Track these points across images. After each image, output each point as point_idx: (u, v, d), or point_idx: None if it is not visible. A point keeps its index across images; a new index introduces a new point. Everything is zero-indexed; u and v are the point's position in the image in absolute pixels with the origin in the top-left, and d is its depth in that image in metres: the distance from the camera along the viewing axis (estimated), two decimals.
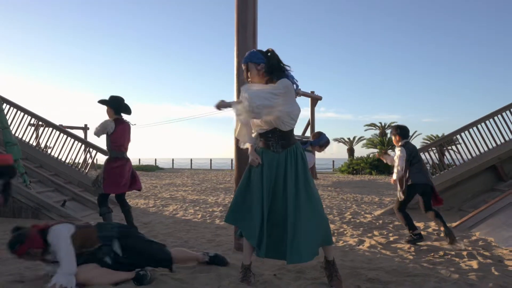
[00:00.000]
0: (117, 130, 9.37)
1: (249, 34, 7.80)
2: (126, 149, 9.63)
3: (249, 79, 5.80)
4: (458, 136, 14.79)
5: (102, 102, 9.65)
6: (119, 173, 9.36)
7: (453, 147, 15.58)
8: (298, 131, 36.76)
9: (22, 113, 16.23)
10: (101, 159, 16.14)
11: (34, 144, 16.72)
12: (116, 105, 9.58)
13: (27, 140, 16.28)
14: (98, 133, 9.49)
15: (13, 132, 13.57)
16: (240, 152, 7.69)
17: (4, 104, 15.42)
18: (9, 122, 13.48)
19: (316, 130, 34.97)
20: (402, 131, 9.51)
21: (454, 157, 15.29)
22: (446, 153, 15.52)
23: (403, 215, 9.10)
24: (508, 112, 14.41)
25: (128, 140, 9.73)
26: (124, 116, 9.68)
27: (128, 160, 9.56)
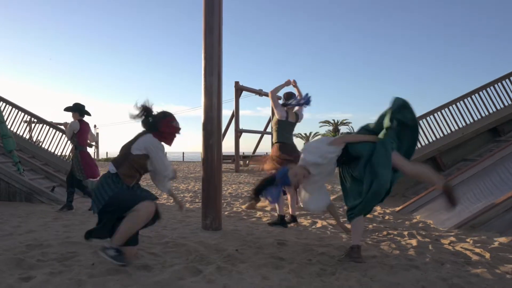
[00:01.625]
0: (81, 128, 10.50)
1: (215, 38, 7.79)
2: (87, 144, 10.77)
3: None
4: None
5: (67, 109, 10.61)
6: (92, 161, 10.60)
7: None
8: (261, 126, 36.84)
9: (17, 111, 16.14)
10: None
11: (27, 137, 16.67)
12: (79, 110, 10.58)
13: (21, 134, 16.22)
14: (68, 135, 10.68)
15: (8, 126, 13.43)
16: (206, 146, 7.86)
17: (0, 102, 15.28)
18: (4, 118, 13.39)
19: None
20: None
21: None
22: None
23: None
24: (446, 109, 14.54)
25: (89, 136, 10.90)
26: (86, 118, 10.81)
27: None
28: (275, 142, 8.93)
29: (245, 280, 4.74)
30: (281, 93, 9.43)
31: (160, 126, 5.60)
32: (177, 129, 5.74)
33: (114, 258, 5.15)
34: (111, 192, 5.29)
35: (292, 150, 8.67)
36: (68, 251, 6.00)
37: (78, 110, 10.50)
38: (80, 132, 10.41)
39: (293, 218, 8.79)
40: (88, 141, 10.82)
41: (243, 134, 31.10)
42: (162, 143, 5.63)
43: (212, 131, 7.79)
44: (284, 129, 8.82)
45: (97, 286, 4.55)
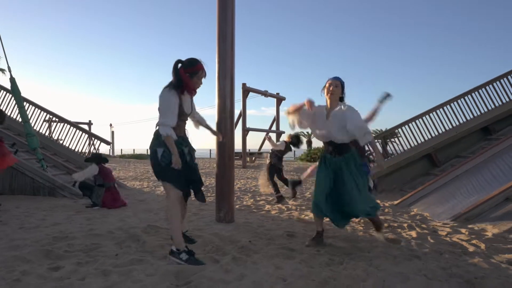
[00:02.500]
0: (102, 171, 10.39)
1: (228, 45, 7.81)
2: (113, 179, 10.71)
3: (329, 94, 5.97)
4: (400, 130, 14.89)
5: (88, 160, 11.01)
6: (115, 196, 10.28)
7: (395, 139, 15.68)
8: (266, 126, 36.85)
9: (39, 110, 16.17)
10: (103, 148, 16.26)
11: (48, 136, 16.69)
12: (97, 159, 10.58)
13: (42, 132, 16.25)
14: (86, 175, 10.44)
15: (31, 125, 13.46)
16: (220, 145, 7.89)
17: (24, 102, 15.33)
18: (28, 117, 13.41)
19: (280, 125, 35.17)
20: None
21: (396, 147, 15.39)
22: (390, 144, 15.61)
23: (272, 182, 11.70)
24: (440, 109, 14.55)
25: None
26: None
27: None
28: None
29: (260, 270, 4.76)
30: None
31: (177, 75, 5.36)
32: (185, 78, 5.33)
33: (188, 262, 5.02)
34: None
35: None
36: (92, 242, 6.06)
37: (95, 160, 10.47)
38: (101, 173, 10.26)
39: None
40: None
41: (250, 132, 31.16)
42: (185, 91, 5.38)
43: (225, 130, 7.82)
44: None
45: (122, 275, 4.58)
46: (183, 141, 5.50)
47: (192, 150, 5.65)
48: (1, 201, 9.89)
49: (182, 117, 5.43)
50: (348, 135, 5.88)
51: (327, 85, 5.98)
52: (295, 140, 12.24)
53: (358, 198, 5.86)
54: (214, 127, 6.33)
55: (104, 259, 5.18)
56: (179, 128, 5.46)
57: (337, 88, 5.93)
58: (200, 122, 6.14)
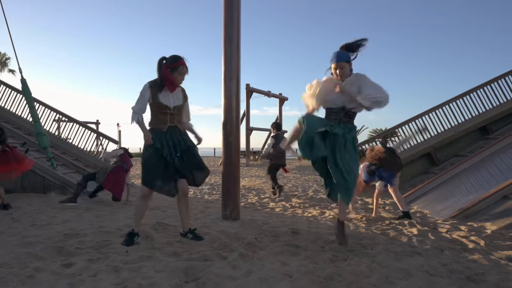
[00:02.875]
0: (124, 156, 10.94)
1: (234, 47, 7.84)
2: (130, 165, 11.08)
3: (339, 76, 5.79)
4: (400, 129, 14.93)
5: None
6: (121, 180, 10.45)
7: (395, 138, 15.72)
8: (268, 125, 36.67)
9: (49, 110, 16.19)
10: (111, 147, 16.27)
11: (57, 134, 16.72)
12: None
13: (52, 132, 16.28)
14: (109, 156, 11.50)
15: (42, 125, 13.48)
16: (226, 144, 7.93)
17: (35, 103, 15.36)
18: (39, 117, 13.43)
19: (283, 125, 35.12)
20: (277, 126, 12.59)
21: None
22: (389, 143, 15.63)
23: (271, 176, 12.01)
24: (439, 110, 14.60)
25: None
26: None
27: None
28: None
29: (266, 266, 4.78)
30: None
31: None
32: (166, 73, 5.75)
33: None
34: None
35: None
36: (102, 239, 6.07)
37: (124, 149, 11.14)
38: (123, 156, 10.78)
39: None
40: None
41: (253, 131, 31.22)
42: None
43: (231, 130, 7.86)
44: None
45: (132, 272, 4.59)
46: (165, 135, 5.79)
47: (182, 145, 5.87)
48: (13, 199, 9.93)
49: (161, 109, 5.76)
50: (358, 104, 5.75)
51: (333, 70, 5.84)
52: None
53: (349, 170, 5.75)
54: (198, 132, 6.38)
55: (115, 256, 5.20)
56: (160, 121, 5.82)
57: (343, 69, 5.75)
58: (184, 126, 6.16)
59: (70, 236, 6.26)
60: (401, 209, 8.22)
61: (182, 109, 6.00)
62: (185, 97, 6.05)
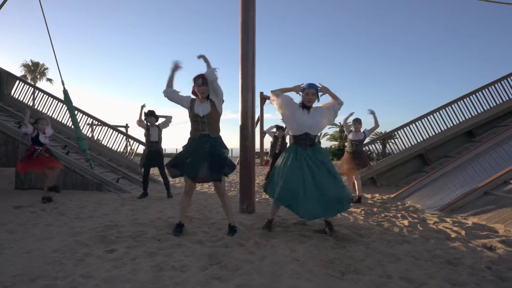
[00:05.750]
0: None
1: (249, 62, 8.11)
2: None
3: (310, 102, 6.12)
4: (397, 133, 15.14)
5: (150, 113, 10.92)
6: None
7: (393, 140, 15.91)
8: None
9: (85, 116, 16.45)
10: (140, 149, 16.43)
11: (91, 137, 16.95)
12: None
13: (88, 135, 16.54)
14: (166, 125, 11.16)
15: (81, 130, 13.77)
16: (243, 147, 8.20)
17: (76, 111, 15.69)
18: (78, 123, 13.73)
19: None
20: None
21: (393, 147, 15.62)
22: (388, 145, 15.82)
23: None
24: (431, 116, 14.78)
25: None
26: None
27: None
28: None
29: (278, 252, 5.05)
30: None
31: None
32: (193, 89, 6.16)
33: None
34: None
35: None
36: (138, 230, 6.36)
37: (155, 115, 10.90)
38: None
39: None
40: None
41: (267, 134, 31.42)
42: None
43: (247, 135, 8.13)
44: None
45: (165, 256, 4.90)
46: (198, 141, 5.93)
47: (201, 151, 5.87)
48: (57, 195, 10.30)
49: (194, 117, 5.97)
50: (321, 129, 6.25)
51: (306, 94, 6.04)
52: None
53: (333, 183, 5.87)
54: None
55: (150, 243, 5.50)
56: (193, 130, 6.04)
57: (314, 96, 6.05)
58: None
59: (110, 227, 6.57)
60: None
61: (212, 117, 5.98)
62: (208, 106, 5.98)
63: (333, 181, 5.88)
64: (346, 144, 10.22)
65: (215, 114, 6.00)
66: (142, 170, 11.05)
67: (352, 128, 10.09)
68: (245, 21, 8.14)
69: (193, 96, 6.17)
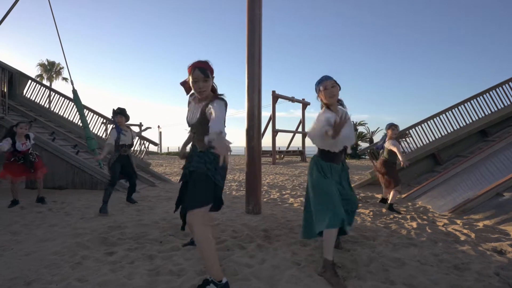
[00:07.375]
0: None
1: (256, 63, 8.02)
2: None
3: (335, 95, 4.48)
4: (411, 131, 14.98)
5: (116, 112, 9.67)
6: None
7: (404, 139, 15.75)
8: (294, 126, 36.75)
9: (97, 116, 16.44)
10: (151, 148, 16.35)
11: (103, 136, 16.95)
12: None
13: (100, 135, 16.53)
14: None
15: (90, 130, 13.75)
16: (249, 147, 8.12)
17: (85, 110, 15.67)
18: (88, 123, 13.72)
19: (306, 126, 35.04)
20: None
21: (405, 146, 15.46)
22: (401, 144, 15.67)
23: None
24: (443, 115, 14.58)
25: None
26: None
27: None
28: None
29: (279, 255, 4.95)
30: None
31: None
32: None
33: None
34: None
35: None
36: (140, 231, 6.31)
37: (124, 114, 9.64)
38: None
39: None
40: None
41: (279, 132, 31.33)
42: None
43: (253, 135, 8.05)
44: None
45: (165, 259, 4.83)
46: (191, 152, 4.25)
47: (190, 167, 4.08)
48: (65, 194, 10.30)
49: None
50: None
51: (326, 87, 4.49)
52: None
53: (353, 194, 4.96)
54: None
55: (151, 246, 5.44)
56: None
57: (336, 87, 4.52)
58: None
59: (113, 228, 6.53)
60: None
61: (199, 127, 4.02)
62: (201, 110, 3.95)
63: (352, 192, 5.03)
64: (385, 153, 9.49)
65: (205, 123, 3.89)
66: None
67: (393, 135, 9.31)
68: (252, 20, 8.04)
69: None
